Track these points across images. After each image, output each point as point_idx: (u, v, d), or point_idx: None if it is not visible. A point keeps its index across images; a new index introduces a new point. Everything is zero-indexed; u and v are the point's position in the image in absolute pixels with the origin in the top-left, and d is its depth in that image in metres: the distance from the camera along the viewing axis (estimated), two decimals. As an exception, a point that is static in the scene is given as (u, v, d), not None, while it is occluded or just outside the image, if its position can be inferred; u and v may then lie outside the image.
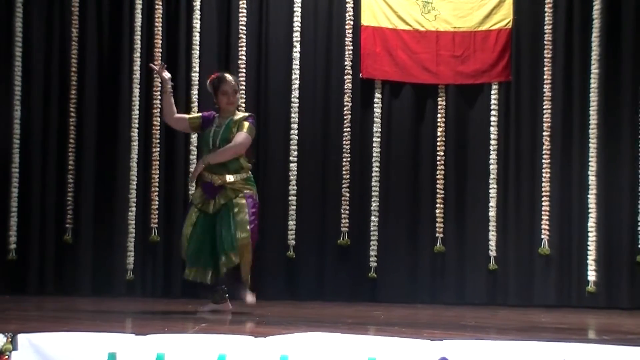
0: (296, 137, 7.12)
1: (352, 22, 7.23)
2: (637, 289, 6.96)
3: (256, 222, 5.31)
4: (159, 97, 7.13)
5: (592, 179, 7.03)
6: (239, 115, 5.40)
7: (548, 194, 7.09)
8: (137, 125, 7.12)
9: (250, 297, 5.27)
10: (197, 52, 7.17)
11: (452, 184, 7.19)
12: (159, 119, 7.13)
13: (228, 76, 5.45)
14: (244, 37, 7.19)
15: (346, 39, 7.23)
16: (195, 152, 7.11)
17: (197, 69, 7.17)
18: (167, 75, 5.41)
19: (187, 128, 5.57)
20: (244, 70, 7.17)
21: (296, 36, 7.21)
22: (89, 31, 7.16)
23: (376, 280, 7.10)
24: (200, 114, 5.60)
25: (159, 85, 7.13)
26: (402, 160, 7.25)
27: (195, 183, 5.59)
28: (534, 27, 7.24)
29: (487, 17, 7.22)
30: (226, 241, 5.19)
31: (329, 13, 7.30)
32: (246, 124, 5.29)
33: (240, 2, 7.19)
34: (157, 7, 7.16)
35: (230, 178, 5.25)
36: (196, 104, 7.14)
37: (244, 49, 7.19)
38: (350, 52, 7.22)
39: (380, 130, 7.21)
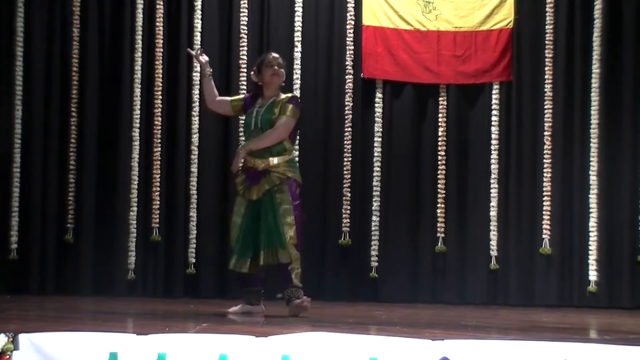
0: (297, 136, 7.10)
1: (353, 22, 7.24)
2: (638, 289, 6.96)
3: (299, 209, 5.19)
4: (160, 96, 7.15)
5: (593, 179, 7.03)
6: (282, 96, 5.24)
7: (549, 193, 7.09)
8: (138, 125, 7.12)
9: (306, 302, 5.07)
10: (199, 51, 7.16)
11: (453, 183, 7.19)
12: (160, 119, 7.14)
13: (273, 53, 5.33)
14: (245, 36, 7.19)
15: (347, 39, 7.23)
16: (197, 152, 7.12)
17: (198, 68, 7.16)
18: (204, 58, 5.30)
19: (228, 111, 5.44)
20: (245, 70, 7.17)
21: (297, 36, 7.21)
22: (90, 31, 7.16)
23: (377, 280, 7.11)
24: (242, 96, 5.48)
25: (160, 85, 7.16)
26: (403, 160, 7.25)
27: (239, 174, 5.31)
28: (535, 27, 7.24)
29: (488, 17, 7.22)
30: (270, 236, 5.07)
31: (330, 13, 7.30)
32: (290, 106, 5.14)
33: (242, 2, 7.20)
34: (158, 6, 7.16)
35: (274, 161, 5.13)
36: (197, 103, 7.14)
37: (245, 48, 7.19)
38: (352, 51, 7.22)
39: (381, 130, 7.21)
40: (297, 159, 5.33)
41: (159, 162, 7.15)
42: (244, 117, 5.41)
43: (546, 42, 7.18)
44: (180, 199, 7.11)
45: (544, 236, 7.07)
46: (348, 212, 7.12)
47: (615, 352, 3.39)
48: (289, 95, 5.33)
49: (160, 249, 7.11)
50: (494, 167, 7.17)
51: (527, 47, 7.26)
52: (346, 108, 7.20)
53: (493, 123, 7.19)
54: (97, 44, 7.19)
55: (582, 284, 7.01)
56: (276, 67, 5.19)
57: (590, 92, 7.09)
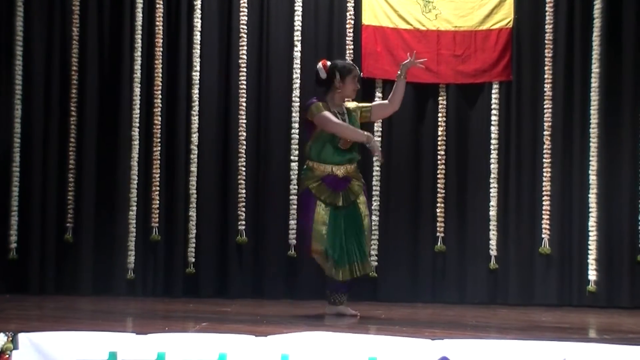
0: (297, 136, 7.10)
1: (352, 22, 7.23)
2: (638, 289, 6.95)
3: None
4: (160, 96, 7.15)
5: (592, 178, 7.03)
6: (350, 103, 5.39)
7: (549, 193, 7.09)
8: (138, 125, 7.11)
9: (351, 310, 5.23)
10: (198, 51, 7.17)
11: (452, 183, 7.19)
12: (159, 118, 7.14)
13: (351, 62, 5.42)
14: (245, 36, 7.19)
15: (347, 38, 7.23)
16: (196, 152, 7.12)
17: (197, 68, 7.17)
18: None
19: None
20: (245, 70, 7.16)
21: (297, 35, 7.21)
22: (89, 30, 7.15)
23: (377, 280, 7.10)
24: (321, 103, 5.26)
25: (160, 84, 7.15)
26: (402, 159, 7.24)
27: (311, 180, 5.27)
28: (535, 27, 7.23)
29: (487, 17, 7.22)
30: (360, 249, 5.16)
31: (329, 12, 7.29)
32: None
33: (241, 1, 7.19)
34: (157, 6, 7.16)
35: (352, 167, 5.25)
36: (197, 103, 7.14)
37: (245, 47, 7.18)
38: (351, 51, 7.22)
39: (381, 129, 7.20)
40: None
41: (158, 162, 7.14)
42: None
43: (546, 41, 7.18)
44: (180, 199, 7.10)
45: (543, 236, 7.07)
46: (347, 211, 7.12)
47: (614, 352, 3.40)
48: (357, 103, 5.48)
49: (159, 248, 7.10)
50: (494, 167, 7.17)
51: (526, 46, 7.26)
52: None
53: (492, 123, 7.19)
54: (97, 44, 7.18)
55: (582, 284, 7.00)
56: (358, 84, 5.36)
57: (589, 92, 7.09)
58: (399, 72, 5.39)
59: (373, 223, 7.10)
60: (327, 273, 5.20)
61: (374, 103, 5.72)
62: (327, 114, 5.17)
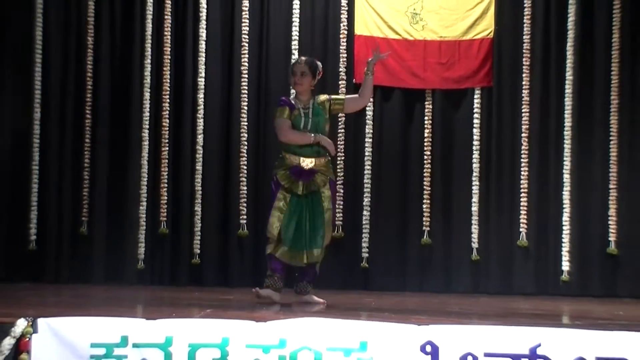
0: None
1: (346, 32, 7.23)
2: (607, 279, 6.97)
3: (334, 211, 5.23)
4: (168, 100, 7.14)
5: (566, 177, 7.05)
6: (322, 96, 5.33)
7: (526, 190, 7.10)
8: (147, 126, 7.11)
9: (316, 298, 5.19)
10: (203, 59, 7.17)
11: (438, 181, 7.20)
12: (167, 121, 7.14)
13: (302, 58, 5.35)
14: (246, 44, 7.19)
15: (341, 47, 7.23)
16: (201, 151, 7.12)
17: (202, 74, 7.17)
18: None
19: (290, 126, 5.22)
20: (246, 76, 7.16)
21: (294, 44, 7.21)
22: (103, 41, 7.14)
23: (368, 270, 7.11)
24: (285, 108, 5.24)
25: (168, 89, 7.15)
26: (392, 159, 7.24)
27: (280, 168, 5.24)
28: (514, 37, 7.24)
29: (470, 28, 7.22)
30: (317, 236, 5.11)
31: (324, 23, 7.29)
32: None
33: (243, 13, 7.19)
34: (166, 17, 7.16)
35: (320, 161, 5.16)
36: (202, 106, 7.14)
37: (246, 55, 7.19)
38: (345, 59, 7.22)
39: (372, 131, 7.21)
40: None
41: (166, 161, 7.14)
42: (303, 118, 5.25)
43: (524, 50, 7.19)
44: (186, 195, 7.10)
45: (521, 230, 7.08)
46: (341, 207, 7.12)
47: (585, 337, 3.40)
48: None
49: (167, 241, 7.10)
50: (476, 166, 7.17)
51: (506, 55, 7.26)
52: (338, 111, 7.17)
53: (475, 125, 7.20)
54: (110, 53, 7.17)
55: (556, 274, 7.02)
56: (296, 78, 5.23)
57: (564, 97, 7.11)
58: (366, 69, 5.33)
59: (364, 218, 7.14)
60: (270, 252, 5.09)
61: (347, 96, 5.64)
62: (281, 122, 5.15)
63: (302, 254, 5.09)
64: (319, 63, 5.36)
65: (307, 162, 5.14)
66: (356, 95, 5.48)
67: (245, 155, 7.14)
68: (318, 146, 5.18)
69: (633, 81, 7.07)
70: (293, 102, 5.26)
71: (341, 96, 5.64)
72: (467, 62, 7.21)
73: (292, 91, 5.70)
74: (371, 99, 7.10)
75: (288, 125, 5.17)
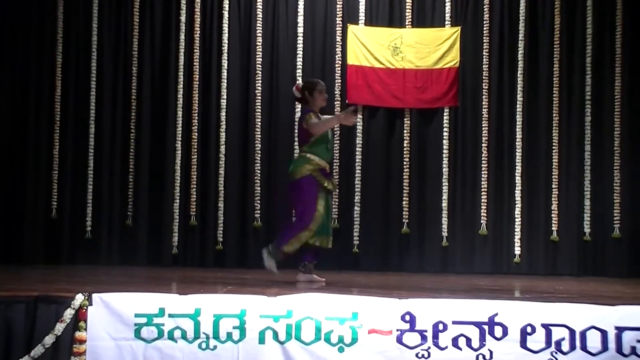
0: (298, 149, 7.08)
1: (340, 62, 7.24)
2: (550, 260, 6.99)
3: None
4: (196, 118, 7.13)
5: (517, 179, 7.06)
6: None
7: (486, 189, 7.10)
8: (180, 139, 7.11)
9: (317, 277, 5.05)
10: (225, 84, 7.17)
11: (415, 183, 7.19)
12: (196, 134, 7.14)
13: (322, 82, 5.20)
14: (260, 72, 7.19)
15: (336, 74, 7.23)
16: (224, 159, 7.11)
17: (224, 96, 7.16)
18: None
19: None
20: (260, 98, 7.15)
21: (299, 72, 7.21)
22: (145, 69, 7.13)
23: (358, 254, 7.10)
24: (311, 114, 5.00)
25: (197, 108, 7.14)
26: (377, 165, 7.24)
27: (311, 170, 4.94)
28: (475, 66, 7.24)
29: (440, 59, 7.23)
30: (330, 225, 5.06)
31: (323, 55, 7.29)
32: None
33: (257, 46, 7.17)
34: (195, 50, 7.15)
35: (328, 166, 5.06)
36: (224, 122, 7.13)
37: (260, 81, 7.18)
38: (339, 84, 7.22)
39: (361, 142, 7.21)
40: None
41: (195, 166, 7.14)
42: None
43: (483, 77, 7.19)
44: (212, 194, 7.10)
45: (482, 221, 7.08)
46: (336, 203, 7.11)
47: (533, 307, 3.41)
48: None
49: (196, 230, 7.09)
50: (445, 170, 7.17)
51: (469, 81, 7.26)
52: (335, 126, 7.15)
53: (444, 137, 7.19)
54: (150, 78, 7.15)
55: (510, 257, 7.02)
56: (325, 94, 5.14)
57: (515, 114, 7.11)
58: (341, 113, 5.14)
59: (355, 212, 7.14)
60: (304, 242, 4.85)
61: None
62: (313, 122, 4.96)
63: (329, 239, 5.00)
64: None
65: (327, 166, 5.05)
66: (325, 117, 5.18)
67: (259, 162, 7.15)
68: (332, 151, 5.04)
69: (570, 101, 7.07)
70: (312, 112, 5.11)
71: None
72: (437, 87, 7.21)
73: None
74: (360, 116, 7.13)
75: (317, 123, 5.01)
